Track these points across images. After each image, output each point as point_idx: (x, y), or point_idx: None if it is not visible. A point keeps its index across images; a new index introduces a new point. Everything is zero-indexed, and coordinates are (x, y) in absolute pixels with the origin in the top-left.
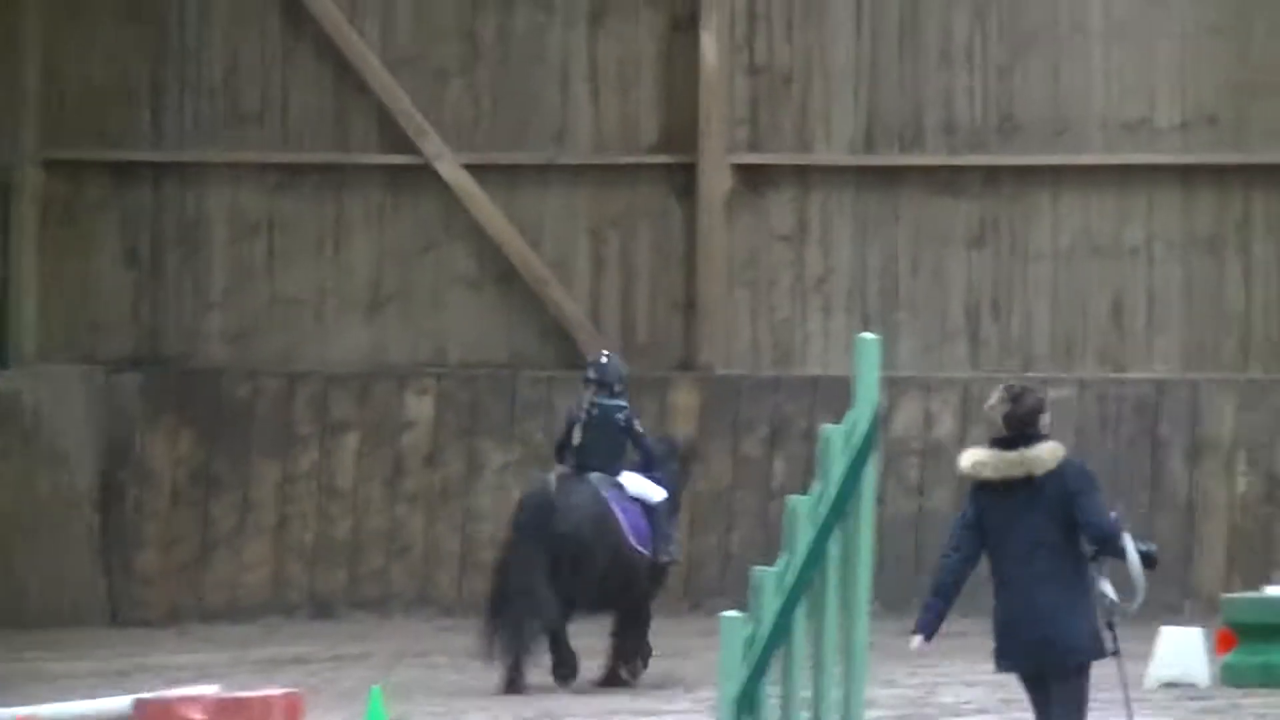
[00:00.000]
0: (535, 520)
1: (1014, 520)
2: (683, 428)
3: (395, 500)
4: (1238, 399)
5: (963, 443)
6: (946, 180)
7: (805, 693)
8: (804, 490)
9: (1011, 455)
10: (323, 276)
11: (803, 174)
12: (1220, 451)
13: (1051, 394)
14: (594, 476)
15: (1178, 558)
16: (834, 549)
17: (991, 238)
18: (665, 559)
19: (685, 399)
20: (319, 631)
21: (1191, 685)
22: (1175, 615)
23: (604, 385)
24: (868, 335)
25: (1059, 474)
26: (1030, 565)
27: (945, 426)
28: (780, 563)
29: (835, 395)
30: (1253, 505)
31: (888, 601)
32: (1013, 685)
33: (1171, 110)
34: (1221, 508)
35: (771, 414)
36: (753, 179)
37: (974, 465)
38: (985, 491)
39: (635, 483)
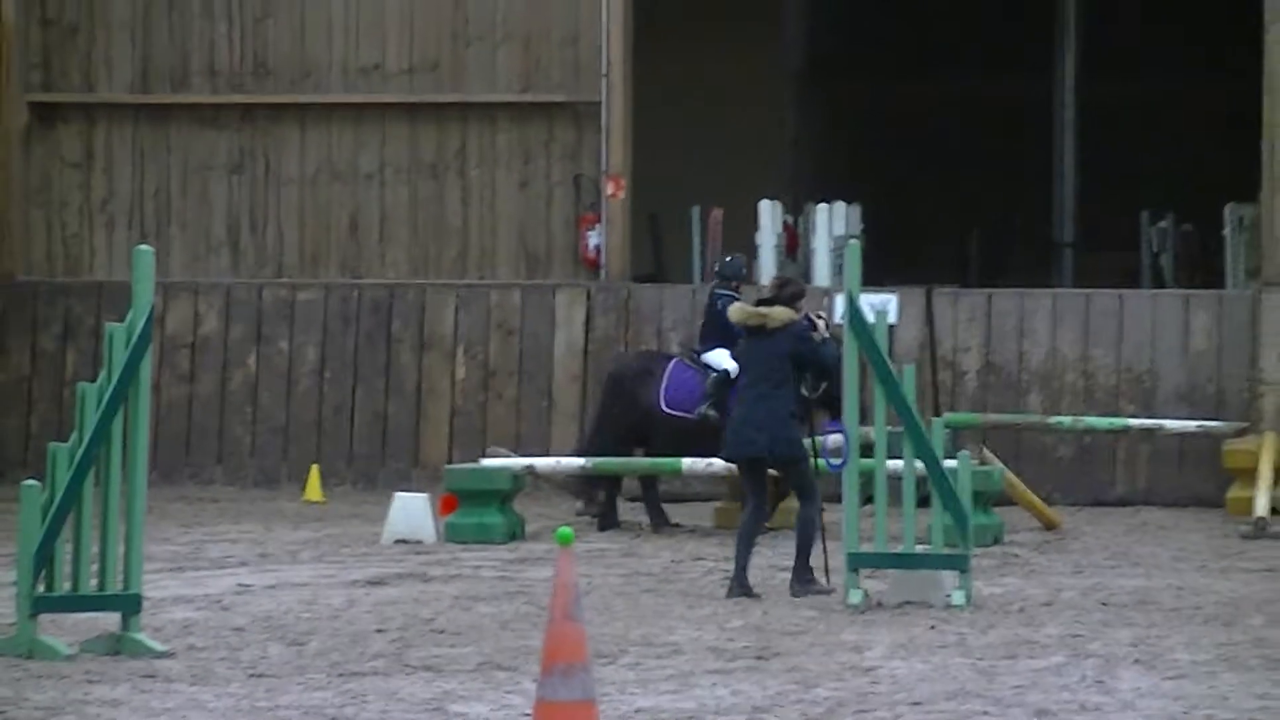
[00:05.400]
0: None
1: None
2: None
3: None
4: (457, 300)
5: (227, 338)
6: (210, 116)
7: (93, 549)
8: (93, 379)
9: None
10: None
11: (89, 111)
12: (444, 345)
13: (301, 296)
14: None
15: (408, 434)
16: (117, 428)
17: (249, 165)
18: (697, 415)
19: None
20: None
21: (420, 542)
22: (406, 483)
23: (724, 279)
24: (144, 247)
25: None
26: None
27: (211, 324)
28: (72, 440)
29: (118, 298)
30: (471, 391)
31: (164, 471)
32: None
33: (400, 57)
34: (445, 393)
35: (64, 314)
36: (46, 115)
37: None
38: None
39: (715, 356)
